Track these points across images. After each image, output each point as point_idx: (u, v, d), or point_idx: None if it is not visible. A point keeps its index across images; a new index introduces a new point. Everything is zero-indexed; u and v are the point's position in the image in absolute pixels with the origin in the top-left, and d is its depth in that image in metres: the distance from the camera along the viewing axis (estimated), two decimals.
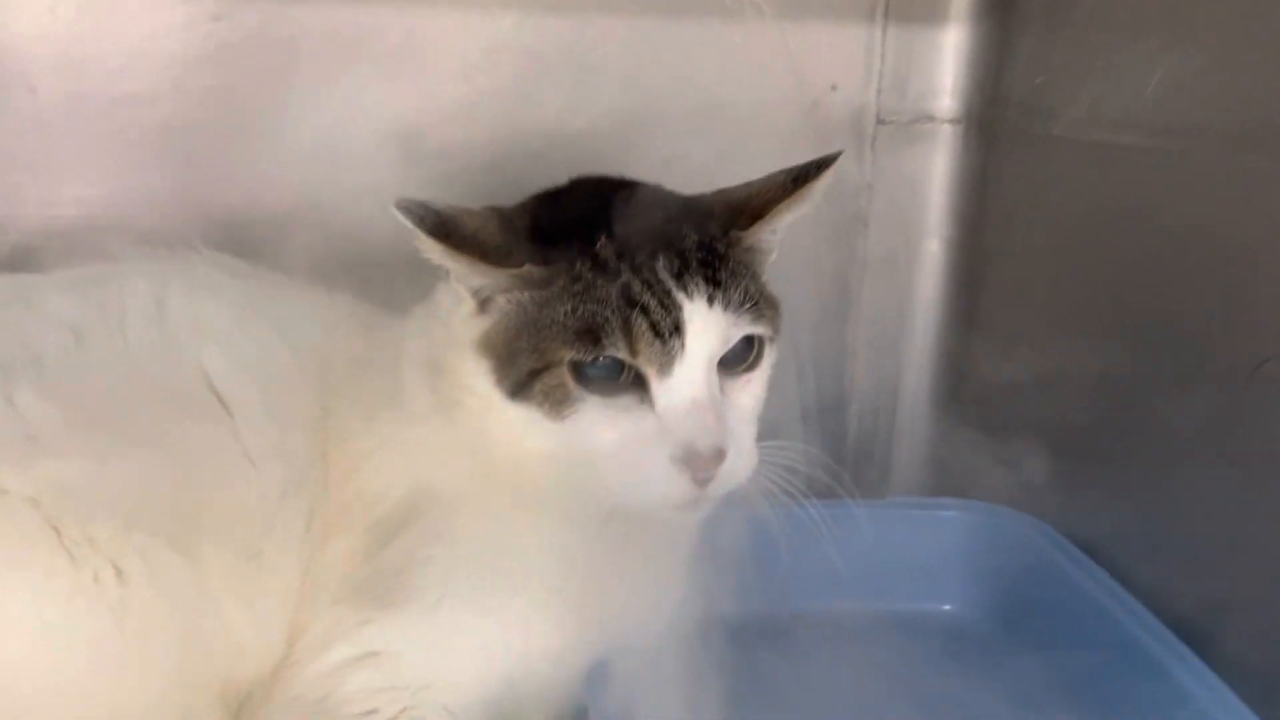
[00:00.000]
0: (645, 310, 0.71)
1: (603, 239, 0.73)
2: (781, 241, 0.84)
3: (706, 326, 0.72)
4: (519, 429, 0.74)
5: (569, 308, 0.72)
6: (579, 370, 0.71)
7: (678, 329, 0.71)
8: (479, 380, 0.75)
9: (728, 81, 1.11)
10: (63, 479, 0.70)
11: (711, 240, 0.75)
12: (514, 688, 0.78)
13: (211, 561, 0.74)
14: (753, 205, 0.79)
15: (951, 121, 1.17)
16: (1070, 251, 1.04)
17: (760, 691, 0.89)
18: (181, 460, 0.75)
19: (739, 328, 0.73)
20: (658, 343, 0.70)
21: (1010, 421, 1.12)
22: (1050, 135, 1.04)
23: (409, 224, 0.71)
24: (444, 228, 0.72)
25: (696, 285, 0.72)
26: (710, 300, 0.72)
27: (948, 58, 1.16)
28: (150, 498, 0.72)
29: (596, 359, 0.71)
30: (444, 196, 1.04)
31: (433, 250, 0.73)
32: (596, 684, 0.78)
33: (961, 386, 1.20)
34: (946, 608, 1.07)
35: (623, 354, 0.71)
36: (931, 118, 1.17)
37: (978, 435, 1.16)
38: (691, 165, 0.86)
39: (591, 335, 0.71)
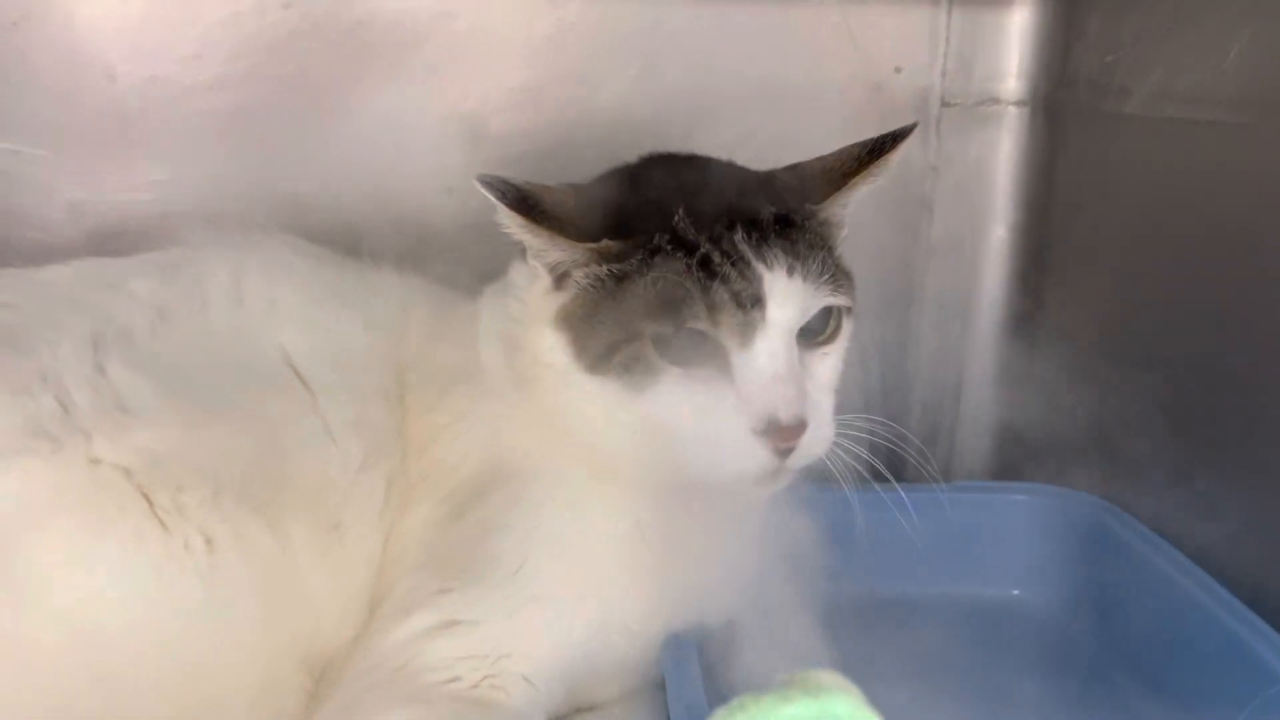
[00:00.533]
0: (726, 281, 0.71)
1: (680, 212, 0.74)
2: (850, 218, 0.84)
3: (787, 297, 0.72)
4: (598, 403, 0.74)
5: (649, 280, 0.72)
6: (659, 343, 0.71)
7: (758, 300, 0.71)
8: (557, 355, 0.76)
9: (792, 65, 1.11)
10: (154, 448, 0.71)
11: (788, 213, 0.76)
12: (590, 659, 0.79)
13: (295, 532, 0.75)
14: (828, 178, 0.79)
15: (1017, 104, 1.16)
16: (1142, 233, 1.02)
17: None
18: (265, 434, 0.77)
19: (818, 299, 0.74)
20: (739, 314, 0.70)
21: (1078, 406, 1.10)
22: (1121, 114, 1.02)
23: (492, 198, 0.72)
24: (525, 202, 0.73)
25: (776, 256, 0.72)
26: (790, 271, 0.72)
27: (1013, 39, 1.14)
28: (237, 469, 0.74)
29: (677, 331, 0.71)
30: None
31: (513, 224, 0.73)
32: (674, 656, 0.78)
33: (1027, 371, 1.18)
34: (1015, 593, 1.06)
35: (704, 325, 0.71)
36: (997, 100, 1.16)
37: (1045, 420, 1.15)
38: (756, 149, 0.86)
39: (672, 308, 0.71)
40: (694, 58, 1.09)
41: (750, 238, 0.72)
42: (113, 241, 0.99)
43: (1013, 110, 1.16)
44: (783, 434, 0.69)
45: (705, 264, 0.71)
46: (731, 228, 0.73)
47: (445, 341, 0.86)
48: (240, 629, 0.71)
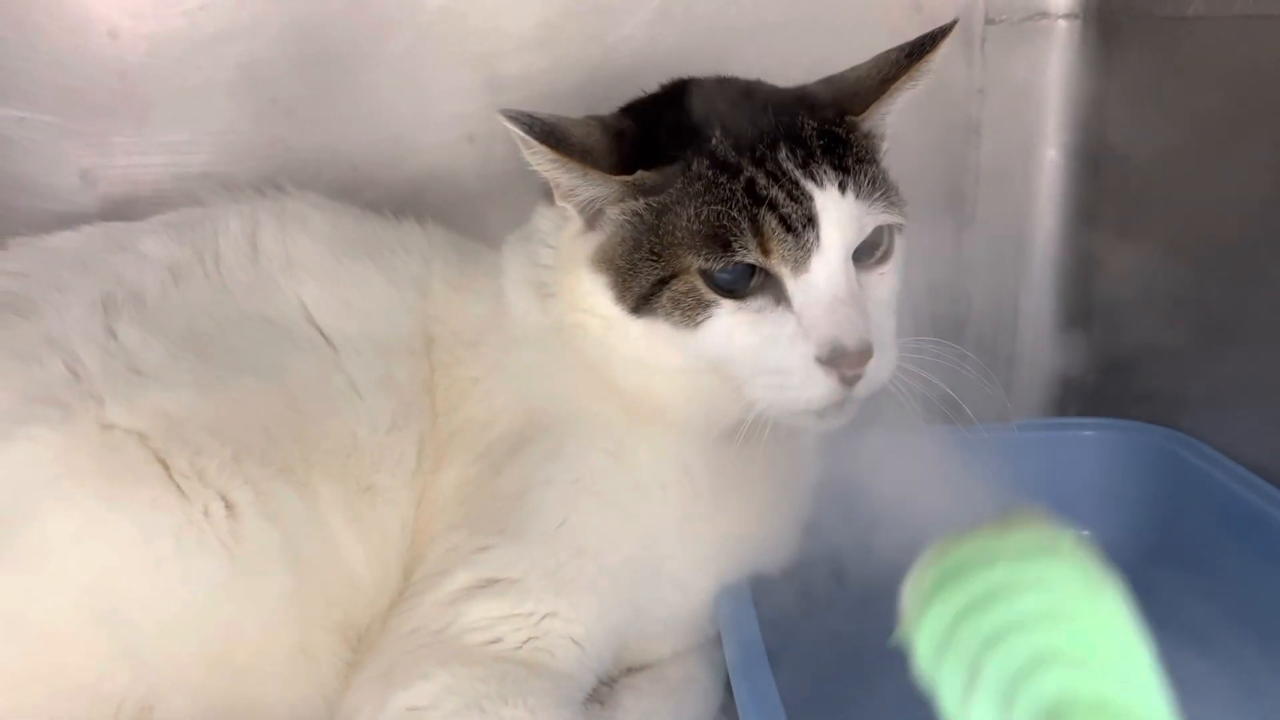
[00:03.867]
0: (774, 206, 0.66)
1: (717, 134, 0.69)
2: (892, 136, 0.78)
3: (841, 216, 0.67)
4: (645, 345, 0.70)
5: (691, 212, 0.68)
6: (708, 275, 0.67)
7: (811, 221, 0.67)
8: (597, 299, 0.71)
9: None
10: (169, 411, 0.68)
11: (831, 126, 0.71)
12: (641, 615, 0.75)
13: (324, 494, 0.72)
14: (867, 87, 0.74)
15: (1067, 17, 1.09)
16: (1213, 144, 0.95)
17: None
18: (288, 393, 0.73)
19: (873, 216, 0.69)
20: (790, 239, 0.66)
21: (1144, 336, 1.04)
22: (1183, 18, 0.95)
23: (518, 131, 0.68)
24: (552, 135, 0.68)
25: (825, 173, 0.68)
26: (842, 188, 0.68)
27: None
28: (258, 429, 0.70)
29: (726, 264, 0.66)
30: None
31: (542, 160, 0.69)
32: (729, 609, 0.74)
33: (1087, 300, 1.13)
34: (1085, 534, 0.99)
35: (754, 257, 0.66)
36: (1045, 14, 1.09)
37: (1106, 351, 1.09)
38: (790, 78, 0.81)
39: (719, 240, 0.66)
40: None
41: (795, 155, 0.68)
42: (126, 208, 0.95)
43: (1062, 24, 1.09)
44: (849, 360, 0.65)
45: (750, 188, 0.67)
46: (774, 147, 0.68)
47: (470, 293, 0.82)
48: (269, 596, 0.67)
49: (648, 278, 0.69)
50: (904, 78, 0.73)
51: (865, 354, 0.65)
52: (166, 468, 0.66)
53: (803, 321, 0.66)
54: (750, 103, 0.73)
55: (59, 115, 0.98)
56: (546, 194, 0.78)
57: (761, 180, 0.67)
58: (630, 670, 0.79)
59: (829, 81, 0.77)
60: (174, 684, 0.65)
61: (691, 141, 0.70)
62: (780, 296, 0.67)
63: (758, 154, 0.68)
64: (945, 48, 0.74)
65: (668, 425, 0.73)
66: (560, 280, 0.74)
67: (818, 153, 0.68)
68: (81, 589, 0.63)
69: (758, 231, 0.66)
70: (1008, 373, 1.17)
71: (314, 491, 0.71)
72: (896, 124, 0.79)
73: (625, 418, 0.74)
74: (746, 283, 0.67)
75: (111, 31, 0.97)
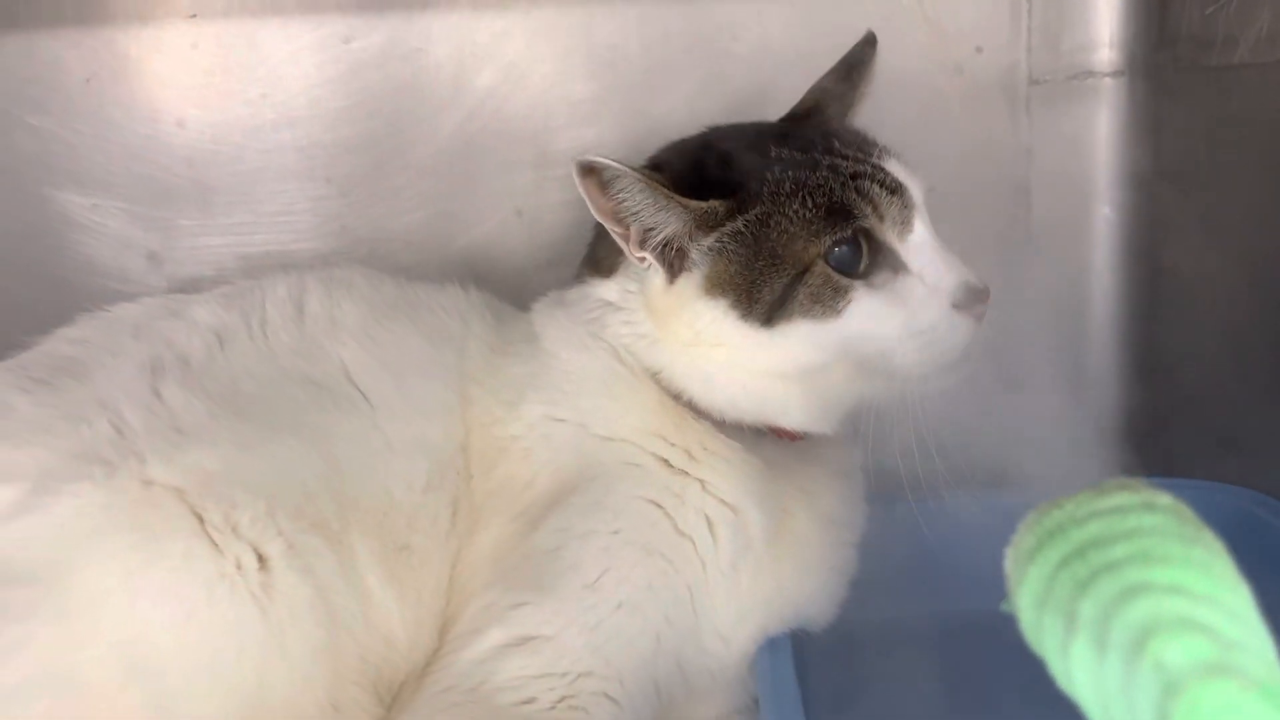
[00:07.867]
0: (870, 177, 0.71)
1: (774, 147, 0.73)
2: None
3: (910, 178, 0.73)
4: (781, 352, 0.72)
5: (797, 205, 0.71)
6: (833, 263, 0.70)
7: (899, 184, 0.72)
8: (721, 326, 0.73)
9: None
10: (207, 467, 0.69)
11: (842, 120, 0.79)
12: (683, 671, 0.73)
13: (360, 551, 0.71)
14: (835, 100, 0.83)
15: (1113, 74, 1.08)
16: (1268, 193, 0.93)
17: (950, 691, 0.80)
18: (325, 450, 0.74)
19: (918, 179, 0.74)
20: (895, 200, 0.71)
21: (1208, 395, 1.01)
22: (1230, 66, 0.94)
23: (614, 165, 0.69)
24: (648, 169, 0.73)
25: (875, 149, 0.74)
26: (896, 157, 0.74)
27: (1101, 5, 1.07)
28: (294, 485, 0.71)
29: (846, 240, 0.70)
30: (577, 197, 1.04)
31: (636, 194, 0.71)
32: (769, 664, 0.71)
33: (1151, 361, 1.09)
34: None
35: (870, 222, 0.70)
36: (1090, 73, 1.09)
37: (1174, 408, 1.05)
38: None
39: (838, 216, 0.70)
40: (760, 52, 1.05)
41: (845, 144, 0.73)
42: (191, 287, 0.98)
43: (1108, 81, 1.09)
44: (979, 296, 0.70)
45: (835, 170, 0.71)
46: (828, 139, 0.74)
47: (508, 354, 0.82)
48: (300, 649, 0.67)
49: (778, 282, 0.70)
50: (864, 85, 0.84)
51: (987, 289, 0.70)
52: (201, 521, 0.66)
53: (926, 279, 0.70)
54: (767, 127, 0.80)
55: (129, 201, 1.03)
56: (596, 266, 0.79)
57: (841, 163, 0.71)
58: None
59: (799, 112, 0.85)
60: None
61: (747, 162, 0.73)
62: (896, 265, 0.71)
63: (819, 148, 0.73)
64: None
65: (741, 455, 0.75)
66: (664, 329, 0.75)
67: (856, 136, 0.75)
68: (114, 642, 0.64)
69: (867, 198, 0.70)
70: (1071, 435, 1.13)
71: (350, 547, 0.71)
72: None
73: (683, 459, 0.74)
74: (858, 264, 0.70)
75: (179, 121, 1.02)
